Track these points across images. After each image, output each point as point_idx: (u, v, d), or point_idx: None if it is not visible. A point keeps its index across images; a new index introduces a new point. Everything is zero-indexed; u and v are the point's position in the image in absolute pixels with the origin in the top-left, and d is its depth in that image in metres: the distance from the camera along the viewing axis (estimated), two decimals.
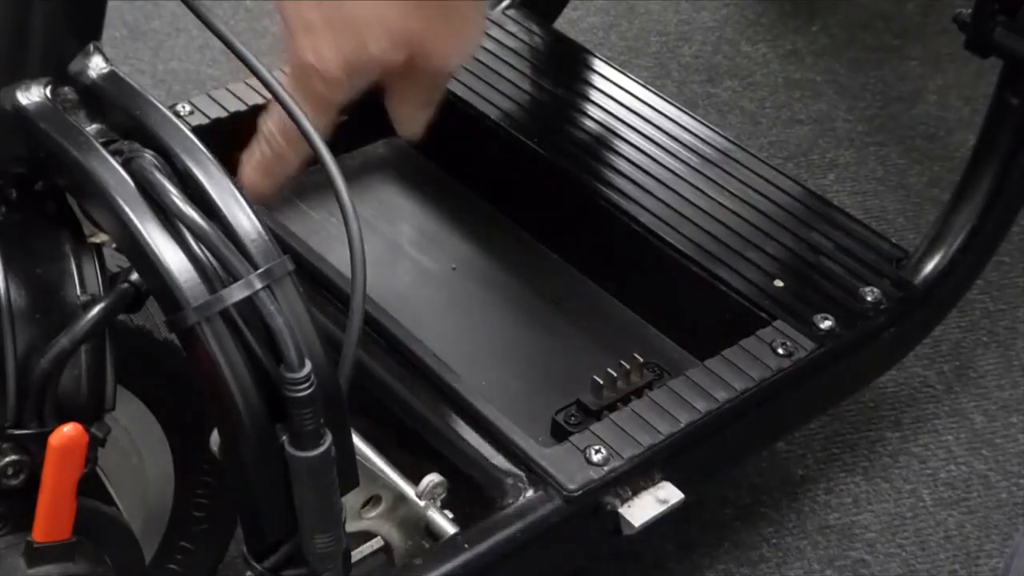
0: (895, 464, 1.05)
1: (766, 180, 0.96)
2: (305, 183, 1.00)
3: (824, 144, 1.32)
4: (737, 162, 0.97)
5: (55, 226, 0.62)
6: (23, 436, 0.59)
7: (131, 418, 0.74)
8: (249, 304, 0.56)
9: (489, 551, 0.70)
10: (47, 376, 0.59)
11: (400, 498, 0.70)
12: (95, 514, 0.63)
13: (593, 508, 0.73)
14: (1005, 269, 1.20)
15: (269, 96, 0.93)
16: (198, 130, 0.90)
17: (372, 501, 0.70)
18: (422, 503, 0.70)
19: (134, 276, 0.60)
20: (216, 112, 0.94)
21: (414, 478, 0.71)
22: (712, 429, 0.78)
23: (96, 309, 0.60)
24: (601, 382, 0.82)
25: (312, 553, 0.59)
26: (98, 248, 0.63)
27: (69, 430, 0.57)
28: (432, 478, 0.70)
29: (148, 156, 0.58)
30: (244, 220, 0.57)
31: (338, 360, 0.59)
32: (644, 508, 0.74)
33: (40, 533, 0.59)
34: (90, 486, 0.62)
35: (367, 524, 0.70)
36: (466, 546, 0.70)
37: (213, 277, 0.56)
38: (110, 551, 0.63)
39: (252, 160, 0.70)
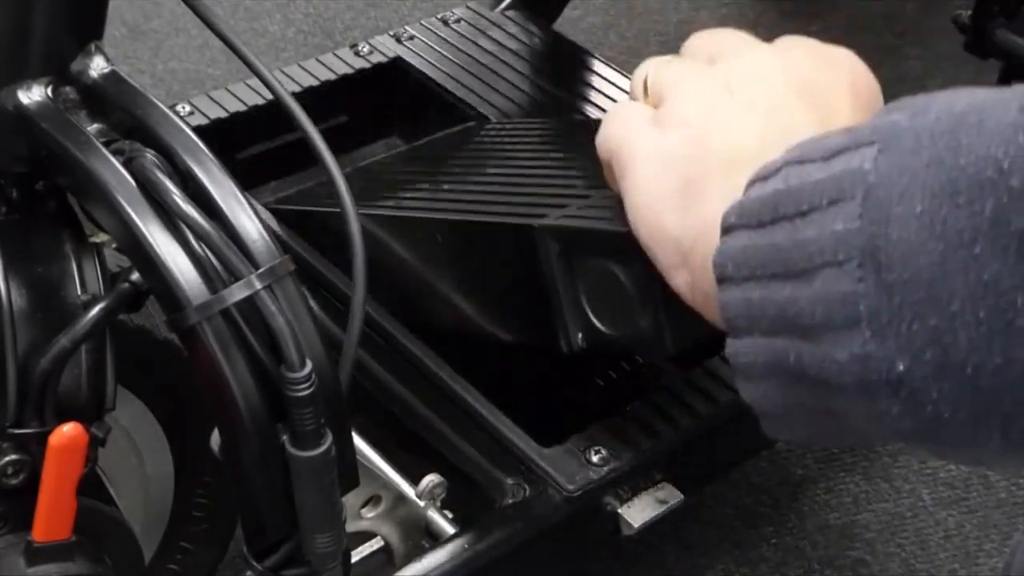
0: (895, 464, 1.05)
1: None
2: (305, 183, 1.00)
3: None
4: None
5: (56, 226, 0.62)
6: (23, 435, 0.59)
7: (131, 418, 0.74)
8: (250, 304, 0.56)
9: (488, 551, 0.70)
10: (47, 375, 0.59)
11: (400, 498, 0.70)
12: (95, 514, 0.62)
13: (593, 508, 0.73)
14: None
15: (270, 96, 0.94)
16: (198, 130, 0.90)
17: (372, 501, 0.70)
18: (422, 503, 0.70)
19: (134, 276, 0.60)
20: (216, 112, 0.94)
21: (414, 478, 0.71)
22: (712, 430, 0.78)
23: (96, 309, 0.60)
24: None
25: (312, 553, 0.59)
26: (98, 248, 0.63)
27: (69, 429, 0.57)
28: (432, 478, 0.71)
29: (149, 156, 0.58)
30: (245, 220, 0.57)
31: (339, 360, 0.59)
32: (644, 508, 0.74)
33: (40, 533, 0.59)
34: (90, 486, 0.61)
35: (367, 524, 0.70)
36: (465, 546, 0.70)
37: (214, 277, 0.56)
38: (110, 551, 0.63)
39: None
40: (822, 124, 0.49)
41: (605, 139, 0.56)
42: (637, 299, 0.62)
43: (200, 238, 0.56)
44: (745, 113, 0.50)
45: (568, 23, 1.38)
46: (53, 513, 0.59)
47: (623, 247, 0.59)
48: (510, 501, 0.72)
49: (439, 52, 1.03)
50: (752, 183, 0.44)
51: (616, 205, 0.58)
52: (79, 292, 0.61)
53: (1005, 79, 0.96)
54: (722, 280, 0.43)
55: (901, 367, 0.36)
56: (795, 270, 0.40)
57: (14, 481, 0.60)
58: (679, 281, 0.51)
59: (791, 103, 0.49)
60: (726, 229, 0.44)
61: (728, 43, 0.55)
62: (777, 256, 0.40)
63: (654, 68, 0.57)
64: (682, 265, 0.50)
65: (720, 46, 0.55)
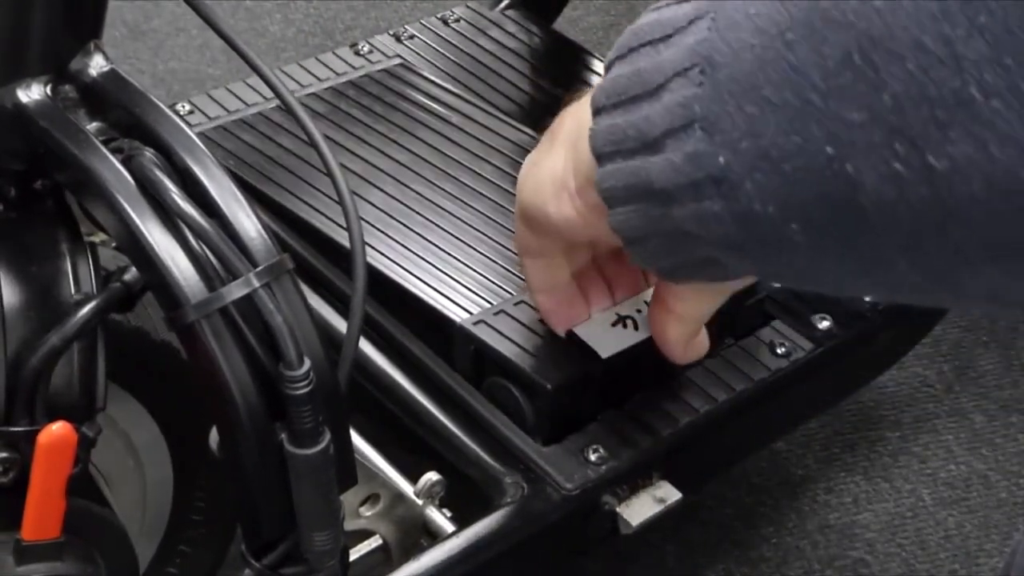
0: (895, 464, 1.05)
1: None
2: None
3: None
4: None
5: (52, 224, 0.62)
6: (12, 433, 0.59)
7: (130, 421, 0.74)
8: (248, 302, 0.56)
9: (487, 550, 0.70)
10: (37, 373, 0.59)
11: (398, 496, 0.70)
12: (86, 514, 0.62)
13: (591, 507, 0.73)
14: None
15: (270, 94, 0.94)
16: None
17: (370, 499, 0.70)
18: (420, 502, 0.70)
19: (127, 275, 0.61)
20: (216, 112, 0.94)
21: (412, 477, 0.71)
22: (710, 429, 0.78)
23: (87, 308, 0.60)
24: None
25: (310, 551, 0.59)
26: (93, 247, 0.63)
27: (58, 428, 0.57)
28: (430, 476, 0.71)
29: (148, 154, 0.58)
30: (244, 219, 0.57)
31: (337, 359, 0.59)
32: (642, 507, 0.74)
33: (29, 531, 0.59)
34: (83, 486, 0.61)
35: (365, 522, 0.70)
36: (464, 545, 0.70)
37: (212, 275, 0.56)
38: (102, 551, 0.62)
39: None
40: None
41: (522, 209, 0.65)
42: (528, 413, 0.73)
43: (198, 236, 0.56)
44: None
45: (568, 23, 1.38)
46: (42, 512, 0.58)
47: (534, 383, 0.72)
48: (508, 500, 0.72)
49: (439, 51, 1.03)
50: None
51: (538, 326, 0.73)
52: (72, 291, 0.61)
53: None
54: (596, 113, 0.48)
55: (722, 160, 0.40)
56: (652, 87, 0.44)
57: (3, 479, 0.60)
58: (564, 206, 0.58)
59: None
60: (605, 69, 0.48)
61: None
62: (639, 79, 0.45)
63: None
64: (563, 187, 0.58)
65: None
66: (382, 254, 0.81)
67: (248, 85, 0.96)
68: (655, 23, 0.45)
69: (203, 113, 0.94)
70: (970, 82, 0.33)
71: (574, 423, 0.75)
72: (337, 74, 0.99)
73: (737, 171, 0.40)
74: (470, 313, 0.77)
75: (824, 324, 0.85)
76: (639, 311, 0.74)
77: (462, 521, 0.71)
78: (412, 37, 1.03)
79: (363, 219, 0.82)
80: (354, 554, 0.69)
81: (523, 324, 0.75)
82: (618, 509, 0.74)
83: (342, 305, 0.80)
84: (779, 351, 0.82)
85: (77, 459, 0.59)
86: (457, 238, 0.83)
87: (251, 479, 0.57)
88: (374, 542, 0.71)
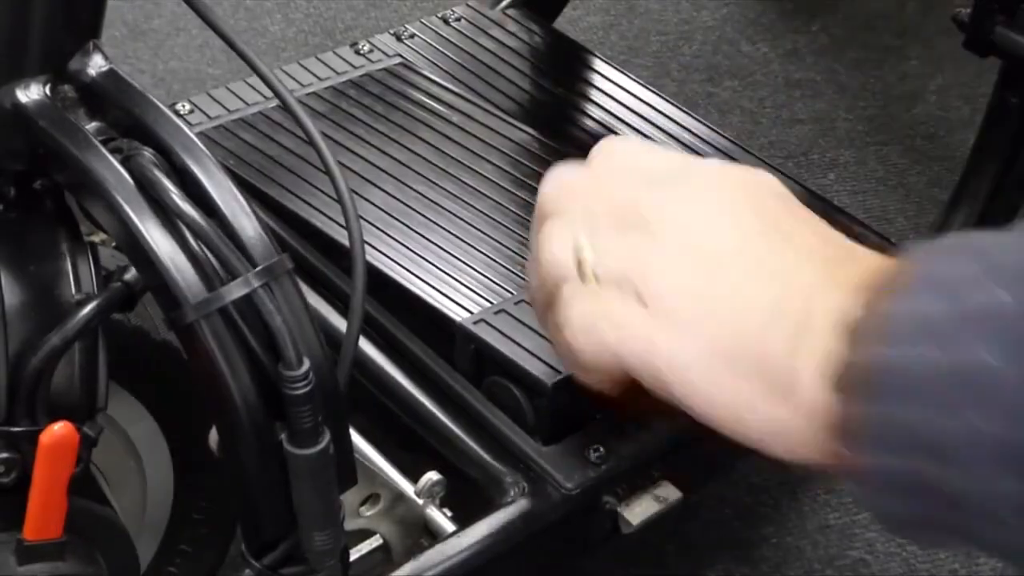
0: None
1: None
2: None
3: (824, 144, 1.32)
4: (737, 162, 0.97)
5: (52, 224, 0.62)
6: (14, 434, 0.59)
7: (130, 421, 0.74)
8: (247, 302, 0.56)
9: (487, 549, 0.70)
10: (39, 374, 0.59)
11: (398, 496, 0.70)
12: (87, 514, 0.62)
13: (591, 507, 0.73)
14: None
15: (270, 94, 0.94)
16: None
17: (370, 499, 0.70)
18: (420, 501, 0.70)
19: (128, 275, 0.60)
20: (216, 111, 0.94)
21: (412, 476, 0.71)
22: (710, 428, 0.78)
23: (88, 307, 0.60)
24: None
25: (310, 551, 0.59)
26: (93, 247, 0.63)
27: (60, 428, 0.57)
28: (430, 476, 0.71)
29: (147, 154, 0.58)
30: (243, 218, 0.57)
31: (337, 358, 0.59)
32: (642, 507, 0.74)
33: (30, 531, 0.59)
34: (85, 486, 0.61)
35: (365, 522, 0.70)
36: (464, 544, 0.70)
37: (212, 275, 0.56)
38: (103, 551, 0.63)
39: None
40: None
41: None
42: (528, 412, 0.74)
43: (198, 236, 0.56)
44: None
45: (568, 22, 1.38)
46: (44, 512, 0.58)
47: (535, 382, 0.72)
48: (509, 499, 0.72)
49: (439, 51, 1.03)
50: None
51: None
52: (73, 291, 0.61)
53: (1005, 78, 0.96)
54: (872, 396, 0.41)
55: None
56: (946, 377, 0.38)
57: (5, 480, 0.60)
58: (777, 415, 0.46)
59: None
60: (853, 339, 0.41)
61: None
62: (928, 384, 0.39)
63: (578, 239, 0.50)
64: (779, 398, 0.46)
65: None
66: (382, 253, 0.81)
67: (248, 84, 0.96)
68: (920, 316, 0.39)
69: (203, 113, 0.94)
70: None
71: (574, 422, 0.75)
72: (337, 73, 0.99)
73: None
74: (470, 312, 0.77)
75: None
76: None
77: (463, 521, 0.71)
78: (412, 36, 1.04)
79: (363, 218, 0.82)
80: (354, 554, 0.69)
81: (523, 323, 0.75)
82: (618, 508, 0.74)
83: (342, 305, 0.80)
84: None
85: (79, 459, 0.59)
86: (457, 237, 0.83)
87: (251, 479, 0.57)
88: (374, 542, 0.71)
